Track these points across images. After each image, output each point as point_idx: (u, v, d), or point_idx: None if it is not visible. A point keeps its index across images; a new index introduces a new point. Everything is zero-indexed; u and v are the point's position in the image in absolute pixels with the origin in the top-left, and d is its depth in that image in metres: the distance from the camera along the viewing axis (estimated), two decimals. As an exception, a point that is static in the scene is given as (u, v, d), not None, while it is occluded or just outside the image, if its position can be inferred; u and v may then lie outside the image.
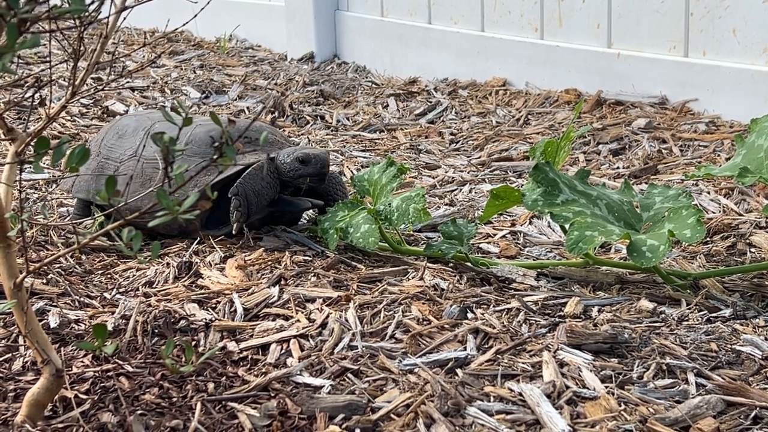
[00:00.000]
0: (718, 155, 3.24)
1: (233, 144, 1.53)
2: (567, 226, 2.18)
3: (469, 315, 2.03)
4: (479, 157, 3.47)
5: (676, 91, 3.76)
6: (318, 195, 2.71)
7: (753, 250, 2.46)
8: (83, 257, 2.44)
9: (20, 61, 4.54)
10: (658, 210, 2.32)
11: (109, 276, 2.32)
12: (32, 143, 1.73)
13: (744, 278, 2.28)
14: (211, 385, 1.82)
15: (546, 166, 2.27)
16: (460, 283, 2.22)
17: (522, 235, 2.68)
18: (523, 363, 1.82)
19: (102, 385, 1.82)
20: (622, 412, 1.62)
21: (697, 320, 2.01)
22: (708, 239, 2.56)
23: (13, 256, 1.66)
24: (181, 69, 5.26)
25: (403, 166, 2.49)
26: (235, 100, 4.56)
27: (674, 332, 1.93)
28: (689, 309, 2.06)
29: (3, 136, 1.74)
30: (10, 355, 1.94)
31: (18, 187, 1.64)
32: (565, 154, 2.42)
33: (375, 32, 5.16)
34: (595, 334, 1.87)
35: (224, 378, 1.86)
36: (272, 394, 1.78)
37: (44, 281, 2.24)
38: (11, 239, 1.65)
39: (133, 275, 2.32)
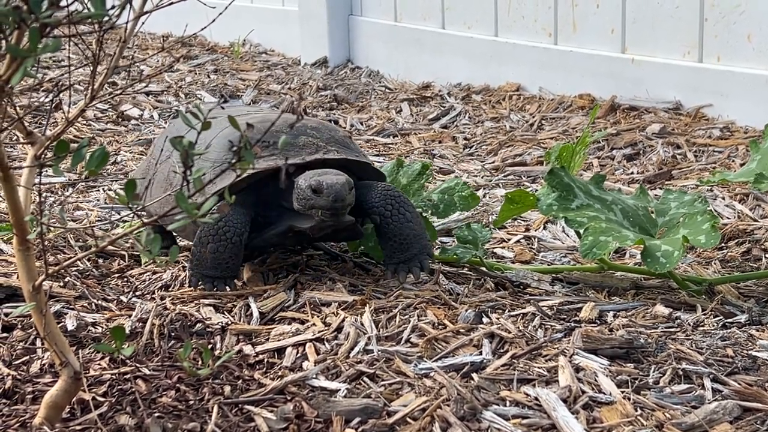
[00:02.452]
0: (733, 161, 3.24)
1: (254, 147, 1.54)
2: (581, 231, 2.18)
3: (485, 319, 2.03)
4: (493, 162, 3.48)
5: (690, 96, 3.76)
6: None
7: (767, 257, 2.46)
8: (100, 261, 2.45)
9: (38, 65, 4.57)
10: (674, 215, 2.32)
11: (125, 279, 2.33)
12: (51, 146, 1.74)
13: (759, 284, 2.28)
14: (227, 388, 1.83)
15: (561, 170, 2.28)
16: (476, 288, 2.23)
17: (536, 240, 2.68)
18: (539, 368, 1.82)
19: (119, 387, 1.83)
20: (639, 417, 1.62)
21: (713, 326, 2.01)
22: (723, 245, 2.56)
23: (32, 259, 1.67)
24: (195, 73, 5.28)
25: (426, 164, 2.50)
26: (249, 104, 4.57)
27: (690, 338, 1.93)
28: (705, 315, 2.06)
29: (22, 140, 1.75)
30: (27, 357, 1.95)
31: (37, 191, 1.64)
32: (581, 159, 2.43)
33: (388, 37, 5.17)
34: (611, 339, 1.87)
35: (240, 381, 1.86)
36: (288, 398, 1.79)
37: (61, 284, 2.25)
38: (30, 242, 1.66)
39: (150, 278, 2.33)
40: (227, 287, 2.20)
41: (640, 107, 3.85)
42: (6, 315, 2.09)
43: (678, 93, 3.82)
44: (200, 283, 2.20)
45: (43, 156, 1.73)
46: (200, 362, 1.90)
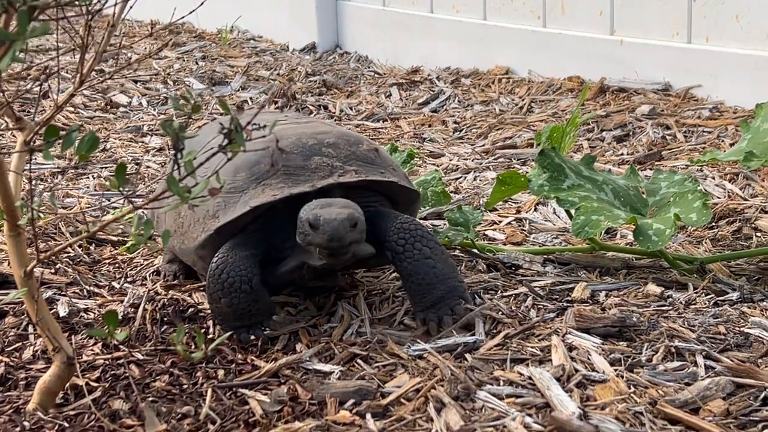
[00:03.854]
0: (722, 141, 3.24)
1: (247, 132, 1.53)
2: (573, 211, 2.19)
3: (477, 300, 2.03)
4: (483, 145, 3.47)
5: (680, 77, 3.76)
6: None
7: (759, 234, 2.46)
8: (92, 247, 2.44)
9: (26, 50, 4.54)
10: (664, 195, 2.32)
11: (117, 266, 2.32)
12: (41, 132, 1.73)
13: (750, 262, 2.28)
14: (221, 372, 1.83)
15: (552, 151, 2.28)
16: (468, 270, 2.23)
17: (527, 221, 2.68)
18: (532, 347, 1.82)
19: (112, 372, 1.83)
20: (632, 395, 1.63)
21: (705, 304, 2.01)
22: (713, 224, 2.56)
23: (23, 244, 1.67)
24: (183, 60, 5.26)
25: (412, 151, 2.49)
26: (238, 90, 4.56)
27: (682, 316, 1.94)
28: (696, 293, 2.07)
29: (11, 126, 1.75)
30: (20, 344, 1.95)
31: (27, 176, 1.64)
32: (571, 140, 2.43)
33: (377, 22, 5.15)
34: (603, 318, 1.87)
35: (234, 365, 1.86)
36: (282, 381, 1.79)
37: (53, 271, 2.25)
38: (21, 228, 1.66)
39: (141, 265, 2.32)
40: (265, 329, 1.94)
41: (629, 89, 3.85)
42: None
43: (667, 74, 3.82)
44: (235, 336, 1.92)
45: (32, 142, 1.72)
46: (193, 346, 1.90)
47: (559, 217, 2.70)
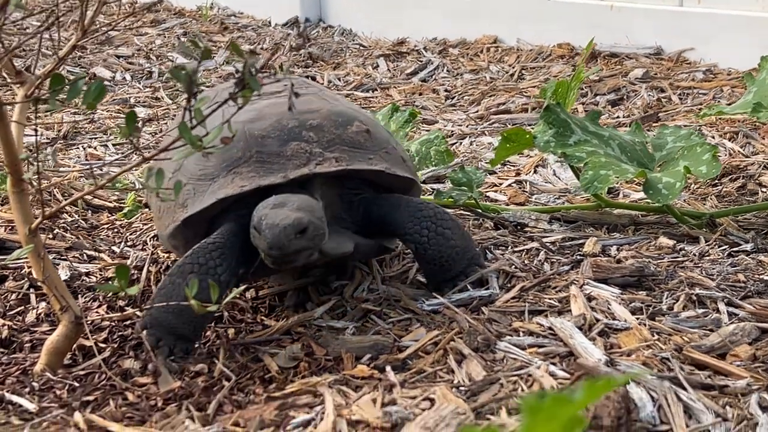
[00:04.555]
0: (719, 101, 3.21)
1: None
2: (581, 166, 2.15)
3: (489, 255, 2.00)
4: (476, 112, 3.43)
5: (672, 41, 3.73)
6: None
7: (764, 189, 2.44)
8: (88, 214, 2.39)
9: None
10: (671, 149, 2.29)
11: (115, 231, 2.27)
12: (41, 87, 1.69)
13: (759, 216, 2.25)
14: (231, 331, 1.79)
15: (557, 107, 2.24)
16: (475, 228, 2.19)
17: (528, 183, 2.64)
18: (549, 299, 1.79)
19: (120, 333, 1.78)
20: (657, 342, 1.59)
21: (719, 255, 1.98)
22: (717, 181, 2.53)
23: (27, 201, 1.62)
24: (165, 36, 5.20)
25: (413, 111, 2.45)
26: (223, 64, 4.50)
27: (699, 266, 1.91)
28: (709, 245, 2.04)
29: (11, 80, 1.70)
30: (22, 307, 1.90)
31: (33, 128, 1.59)
32: (574, 97, 2.39)
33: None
34: (621, 268, 1.84)
35: (243, 324, 1.82)
36: (295, 338, 1.75)
37: (50, 236, 2.19)
38: (25, 184, 1.61)
39: (140, 229, 2.27)
40: (188, 351, 1.70)
41: (621, 53, 3.82)
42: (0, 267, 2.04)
43: (659, 38, 3.79)
44: (151, 344, 1.67)
45: (33, 96, 1.67)
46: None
47: (559, 178, 2.67)
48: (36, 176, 1.57)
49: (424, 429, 1.35)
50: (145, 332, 1.69)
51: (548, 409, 0.71)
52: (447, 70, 4.13)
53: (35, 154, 1.54)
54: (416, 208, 1.81)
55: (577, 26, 4.05)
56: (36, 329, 1.81)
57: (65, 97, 1.50)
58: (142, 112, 3.49)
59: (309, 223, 1.62)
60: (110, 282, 1.95)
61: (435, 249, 1.80)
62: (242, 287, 1.78)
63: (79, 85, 1.50)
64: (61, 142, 3.04)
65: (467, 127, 3.26)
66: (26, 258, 2.08)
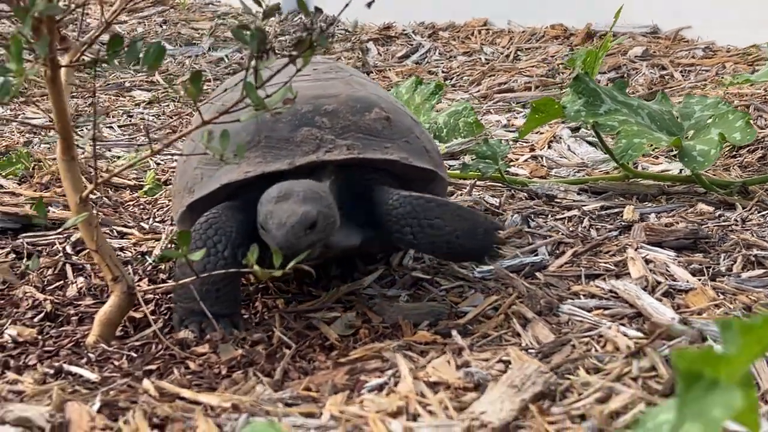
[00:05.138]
0: (722, 78, 3.21)
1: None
2: (614, 135, 2.14)
3: (531, 224, 1.98)
4: (479, 91, 3.41)
5: (668, 20, 3.74)
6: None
7: (786, 160, 2.44)
8: (110, 191, 2.35)
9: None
10: (699, 118, 2.28)
11: (141, 207, 2.23)
12: (86, 53, 1.65)
13: (788, 183, 2.25)
14: (280, 302, 1.75)
15: (586, 76, 2.23)
16: (509, 199, 2.17)
17: (544, 158, 2.63)
18: (604, 263, 1.77)
19: (166, 306, 1.74)
20: (724, 301, 1.58)
21: (760, 220, 1.98)
22: (735, 152, 2.53)
23: (77, 169, 1.58)
24: (145, 25, 5.13)
25: (440, 83, 2.43)
26: (209, 50, 4.45)
27: (747, 229, 1.90)
28: (748, 211, 2.03)
29: (57, 46, 1.65)
30: (61, 282, 1.85)
31: (92, 90, 1.55)
32: (598, 67, 2.38)
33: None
34: (675, 231, 1.83)
35: (290, 294, 1.79)
36: (347, 306, 1.72)
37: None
38: (75, 151, 1.57)
39: (166, 205, 2.23)
40: (236, 324, 1.64)
41: (617, 33, 3.81)
42: (31, 244, 1.99)
43: (655, 17, 3.79)
44: (185, 321, 1.63)
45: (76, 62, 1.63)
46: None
47: (574, 153, 2.66)
48: (90, 141, 1.54)
49: (511, 387, 1.32)
50: (183, 329, 1.62)
51: (759, 329, 0.69)
52: (439, 53, 4.11)
53: (94, 116, 1.50)
54: (395, 205, 1.64)
55: (569, 7, 4.04)
56: (80, 303, 1.76)
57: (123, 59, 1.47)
58: (141, 95, 3.44)
59: (318, 215, 1.52)
60: (149, 255, 1.91)
61: (427, 242, 1.64)
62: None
63: (137, 46, 1.47)
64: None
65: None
66: (61, 232, 2.04)
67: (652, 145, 2.08)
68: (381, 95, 1.83)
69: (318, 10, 1.49)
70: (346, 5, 1.51)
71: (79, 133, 2.92)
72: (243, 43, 1.51)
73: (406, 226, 1.62)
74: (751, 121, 2.11)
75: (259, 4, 1.48)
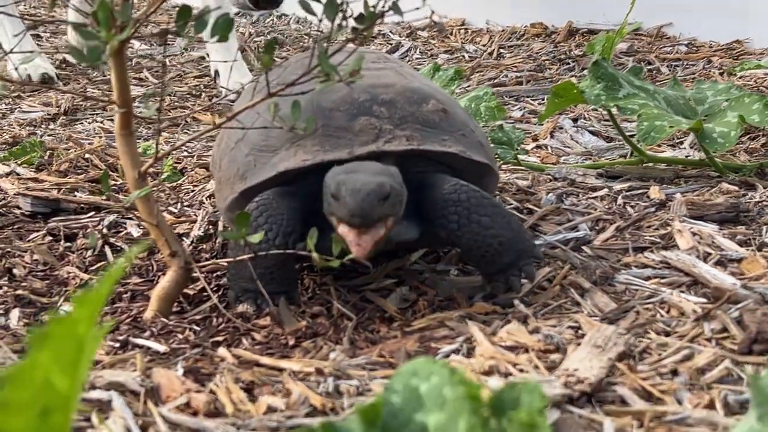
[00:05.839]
0: (710, 72, 3.27)
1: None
2: (634, 118, 2.18)
3: (566, 202, 2.00)
4: (470, 86, 3.44)
5: (650, 16, 3.79)
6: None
7: (789, 145, 2.49)
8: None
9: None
10: (713, 103, 2.32)
11: (166, 193, 2.22)
12: (138, 31, 1.65)
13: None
14: (328, 278, 1.76)
15: (604, 61, 2.26)
16: (537, 181, 2.19)
17: (549, 147, 2.66)
18: (650, 236, 1.80)
19: (216, 283, 1.74)
20: (778, 269, 1.62)
21: (785, 198, 2.02)
22: (738, 140, 2.57)
23: (135, 143, 1.58)
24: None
25: (459, 69, 2.45)
26: (186, 50, 4.43)
27: (780, 205, 1.94)
28: (770, 190, 2.07)
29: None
30: (102, 263, 1.84)
31: (160, 61, 1.55)
32: (611, 52, 2.42)
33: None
34: (716, 204, 1.86)
35: (335, 271, 1.79)
36: (398, 281, 1.72)
37: (103, 198, 2.14)
38: (133, 125, 1.57)
39: (192, 190, 2.23)
40: (292, 299, 1.64)
41: (598, 30, 3.87)
42: (66, 227, 1.98)
43: (637, 14, 3.82)
44: (239, 300, 1.63)
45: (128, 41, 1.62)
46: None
47: (577, 142, 2.69)
48: (156, 114, 1.54)
49: (595, 347, 1.35)
50: (240, 305, 1.62)
51: None
52: (420, 52, 4.13)
53: (162, 88, 1.50)
54: (450, 190, 1.61)
55: (550, 6, 4.09)
56: (127, 281, 1.75)
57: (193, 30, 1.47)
58: (132, 90, 3.41)
59: (391, 189, 1.49)
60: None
61: (469, 238, 1.59)
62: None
63: (206, 18, 1.47)
64: (63, 118, 2.96)
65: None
66: (93, 216, 2.03)
67: (672, 127, 2.11)
68: (434, 87, 1.81)
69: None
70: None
71: (80, 124, 2.91)
72: (310, 13, 1.52)
73: (455, 214, 1.59)
74: (769, 104, 2.14)
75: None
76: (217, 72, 3.46)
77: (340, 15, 1.49)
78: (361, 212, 1.45)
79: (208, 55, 4.22)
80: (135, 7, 1.45)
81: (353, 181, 1.47)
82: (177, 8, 4.13)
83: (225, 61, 2.93)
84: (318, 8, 1.51)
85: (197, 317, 1.60)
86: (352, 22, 1.53)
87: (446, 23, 4.44)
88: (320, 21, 1.46)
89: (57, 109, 3.03)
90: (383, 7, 1.48)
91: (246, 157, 1.70)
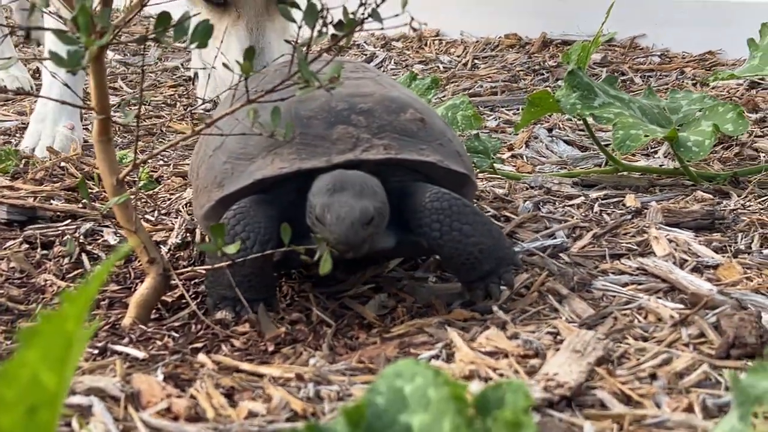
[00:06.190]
0: (684, 82, 3.30)
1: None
2: (610, 126, 2.20)
3: (543, 210, 2.02)
4: (444, 96, 3.45)
5: (623, 27, 3.82)
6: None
7: (762, 154, 2.51)
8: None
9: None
10: (687, 112, 2.34)
11: (142, 201, 2.21)
12: (116, 37, 1.64)
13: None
14: (307, 285, 1.76)
15: (579, 71, 2.28)
16: (514, 189, 2.20)
17: (524, 156, 2.67)
18: (626, 243, 1.81)
19: (195, 291, 1.74)
20: (753, 276, 1.63)
21: (759, 206, 2.03)
22: (712, 149, 2.59)
23: (113, 150, 1.57)
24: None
25: (436, 78, 2.46)
26: (160, 59, 4.43)
27: (754, 212, 1.96)
28: (745, 199, 2.09)
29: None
30: (79, 270, 1.84)
31: (140, 68, 1.55)
32: (587, 61, 2.44)
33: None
34: (692, 211, 1.88)
35: (314, 279, 1.80)
36: (376, 288, 1.73)
37: (80, 206, 2.13)
38: (111, 132, 1.56)
39: (169, 199, 2.22)
40: (270, 306, 1.63)
41: (572, 41, 3.89)
42: (42, 235, 1.97)
43: (611, 25, 3.84)
44: (217, 307, 1.62)
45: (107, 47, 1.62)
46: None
47: (552, 152, 2.70)
48: (134, 121, 1.54)
49: (574, 352, 1.35)
50: (218, 312, 1.61)
51: None
52: (395, 63, 4.14)
53: (140, 94, 1.50)
54: (431, 198, 1.60)
55: (524, 17, 4.11)
56: (105, 289, 1.75)
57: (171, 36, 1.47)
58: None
59: (375, 210, 1.49)
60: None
61: (451, 246, 1.59)
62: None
63: (186, 24, 1.47)
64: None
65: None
66: (69, 223, 2.03)
67: (647, 136, 2.13)
68: (412, 96, 1.81)
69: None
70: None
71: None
72: (290, 20, 1.52)
73: (437, 222, 1.59)
74: (743, 113, 2.16)
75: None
76: (196, 74, 3.46)
77: (320, 22, 1.48)
78: (346, 240, 1.46)
79: (182, 65, 4.22)
80: (112, 16, 1.45)
81: (338, 207, 1.47)
82: (151, 18, 4.14)
83: (204, 68, 2.92)
84: (297, 15, 1.51)
85: (176, 324, 1.60)
86: (331, 29, 1.51)
87: (422, 32, 4.46)
88: (300, 28, 1.46)
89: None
90: (363, 14, 1.48)
91: (223, 165, 1.69)
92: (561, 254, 1.79)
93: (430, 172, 1.69)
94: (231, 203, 1.64)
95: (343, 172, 1.56)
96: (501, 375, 1.33)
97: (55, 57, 1.33)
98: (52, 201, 2.15)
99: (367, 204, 1.49)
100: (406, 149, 1.65)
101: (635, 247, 1.79)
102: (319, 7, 1.48)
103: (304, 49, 1.50)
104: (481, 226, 1.61)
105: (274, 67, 1.89)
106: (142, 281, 1.64)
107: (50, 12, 1.54)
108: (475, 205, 1.73)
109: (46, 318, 0.67)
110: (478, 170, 2.31)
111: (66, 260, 1.87)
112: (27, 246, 1.93)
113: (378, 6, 1.49)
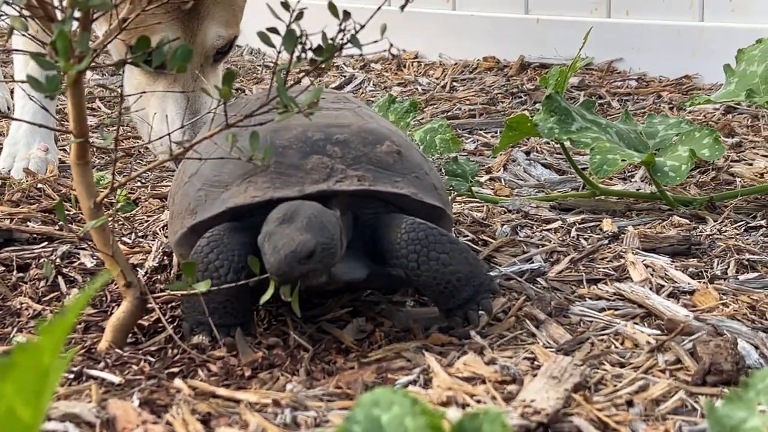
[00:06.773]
0: (660, 106, 3.32)
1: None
2: (588, 151, 2.21)
3: (521, 234, 2.02)
4: (422, 118, 3.46)
5: (601, 52, 3.84)
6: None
7: (738, 179, 2.52)
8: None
9: None
10: (664, 137, 2.36)
11: (120, 223, 2.21)
12: (96, 60, 1.64)
13: (747, 200, 2.33)
14: (283, 309, 1.76)
15: (557, 95, 2.29)
16: (492, 213, 2.21)
17: (502, 180, 2.68)
18: (603, 268, 1.82)
19: (171, 314, 1.74)
20: (729, 302, 1.64)
21: (737, 231, 2.05)
22: (689, 174, 2.60)
23: (91, 173, 1.57)
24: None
25: (414, 101, 2.47)
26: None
27: (732, 237, 1.97)
28: (721, 224, 2.10)
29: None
30: (55, 293, 1.83)
31: (116, 91, 1.54)
32: (564, 86, 2.45)
33: (267, 11, 5.08)
34: (669, 237, 1.89)
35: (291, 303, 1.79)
36: (354, 312, 1.73)
37: (57, 228, 2.12)
38: (89, 155, 1.56)
39: (146, 221, 2.22)
40: (247, 330, 1.63)
41: (550, 65, 3.91)
42: (18, 258, 1.96)
43: (588, 49, 3.85)
44: (191, 332, 1.62)
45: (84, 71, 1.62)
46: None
47: (530, 175, 2.71)
48: (112, 143, 1.53)
49: (551, 378, 1.36)
50: (194, 337, 1.61)
51: None
52: (373, 84, 4.15)
53: (119, 118, 1.50)
54: (408, 229, 1.60)
55: (502, 40, 4.13)
56: (81, 312, 1.74)
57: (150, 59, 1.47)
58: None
59: (316, 246, 1.47)
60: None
61: (429, 276, 1.59)
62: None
63: (164, 49, 1.48)
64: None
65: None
66: (45, 246, 2.02)
67: (624, 160, 2.14)
68: (391, 129, 1.80)
69: (347, 14, 1.51)
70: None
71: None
72: (269, 45, 1.53)
73: (413, 252, 1.58)
74: (720, 138, 2.18)
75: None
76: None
77: (299, 47, 1.49)
78: (278, 272, 1.46)
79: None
80: (91, 38, 1.45)
81: (277, 238, 1.47)
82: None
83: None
84: (276, 40, 1.51)
85: (152, 348, 1.59)
86: (310, 54, 1.52)
87: (401, 57, 4.47)
88: (279, 53, 1.46)
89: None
90: (342, 39, 1.48)
91: (197, 192, 1.68)
92: (538, 279, 1.79)
93: (405, 205, 1.69)
94: (204, 230, 1.63)
95: (300, 203, 1.55)
96: (478, 401, 1.33)
97: (32, 81, 1.33)
98: (28, 223, 2.14)
99: (309, 238, 1.47)
100: (381, 181, 1.64)
101: (612, 272, 1.80)
102: (298, 33, 1.49)
103: (283, 74, 1.49)
104: (458, 254, 1.60)
105: (255, 96, 1.89)
106: (118, 304, 1.63)
107: (29, 35, 1.54)
108: (451, 232, 1.74)
109: (22, 350, 0.67)
110: (456, 194, 2.31)
111: (42, 283, 1.86)
112: (3, 268, 1.92)
113: (357, 33, 1.48)
